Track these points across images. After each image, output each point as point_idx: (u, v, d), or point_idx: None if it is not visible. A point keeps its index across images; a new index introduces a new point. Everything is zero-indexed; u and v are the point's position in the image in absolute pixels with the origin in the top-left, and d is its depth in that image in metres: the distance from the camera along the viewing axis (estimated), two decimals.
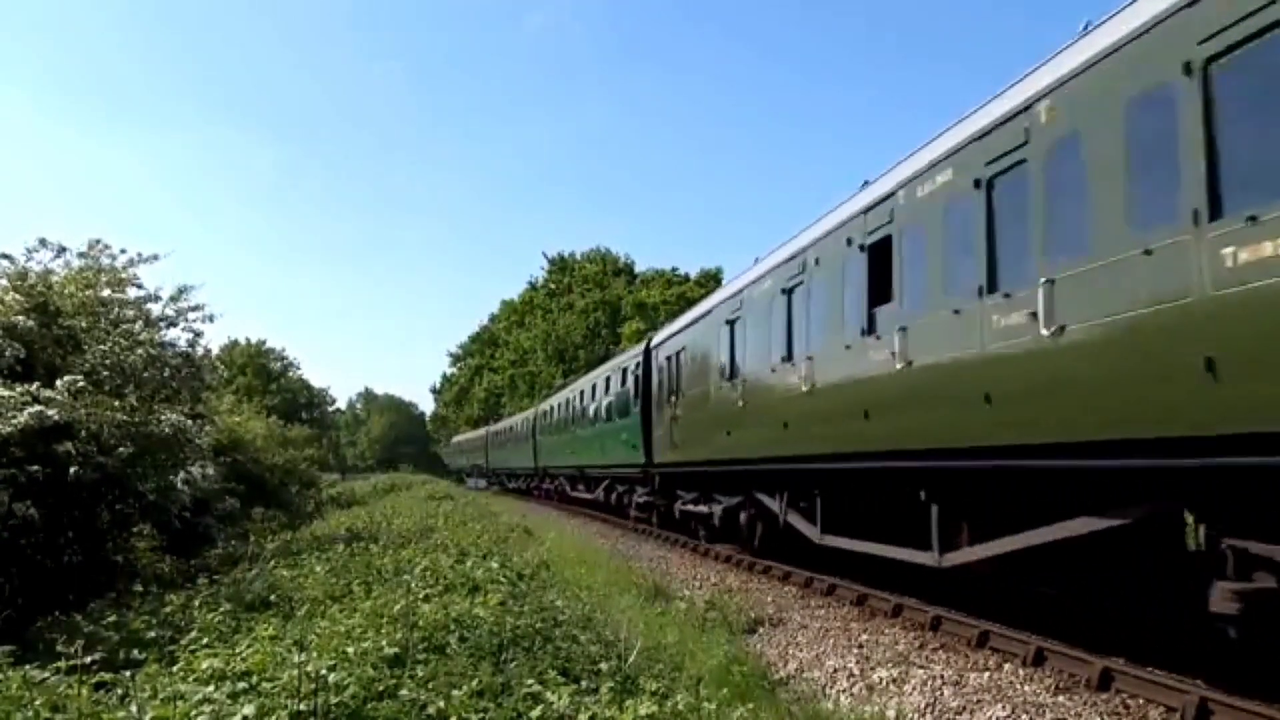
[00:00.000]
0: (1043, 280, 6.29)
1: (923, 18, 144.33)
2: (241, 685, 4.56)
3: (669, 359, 17.57)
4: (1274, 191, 4.65)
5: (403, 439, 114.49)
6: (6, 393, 9.02)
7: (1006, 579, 8.22)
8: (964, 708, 5.97)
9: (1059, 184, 6.42)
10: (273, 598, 7.88)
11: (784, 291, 11.46)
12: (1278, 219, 4.58)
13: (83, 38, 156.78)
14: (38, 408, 8.95)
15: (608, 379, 23.93)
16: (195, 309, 13.17)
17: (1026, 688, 6.21)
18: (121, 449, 10.21)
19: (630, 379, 20.96)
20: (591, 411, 24.98)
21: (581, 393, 27.25)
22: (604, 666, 5.53)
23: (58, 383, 9.53)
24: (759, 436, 11.98)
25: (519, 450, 41.07)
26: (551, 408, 33.15)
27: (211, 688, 4.48)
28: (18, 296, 10.38)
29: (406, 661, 5.17)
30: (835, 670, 7.18)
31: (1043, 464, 6.54)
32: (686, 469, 16.26)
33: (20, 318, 10.08)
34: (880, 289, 8.95)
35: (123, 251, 12.60)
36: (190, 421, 12.13)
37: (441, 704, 4.39)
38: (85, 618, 7.49)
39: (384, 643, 5.33)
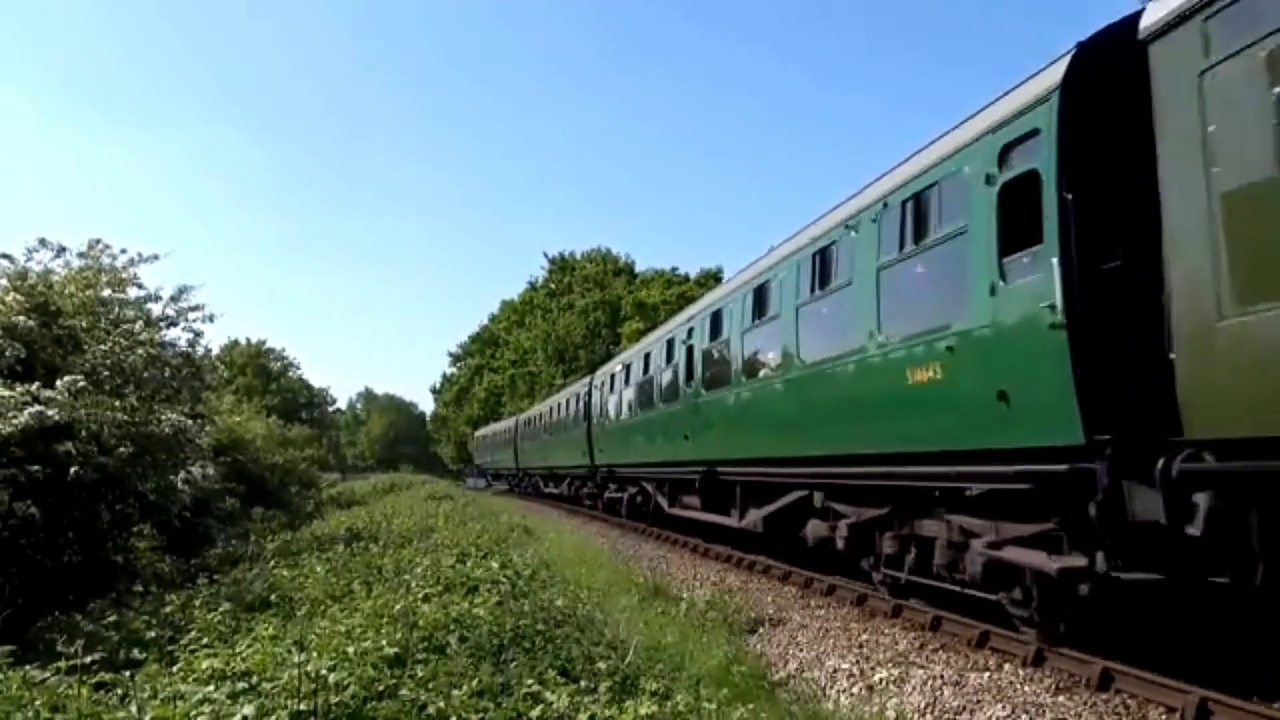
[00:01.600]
0: None
1: (924, 19, 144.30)
2: (241, 685, 4.56)
3: None
4: None
5: (403, 439, 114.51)
6: (7, 393, 9.03)
7: None
8: (964, 708, 5.97)
9: None
10: (273, 598, 7.89)
11: None
12: None
13: (79, 37, 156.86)
14: (38, 408, 8.96)
15: (819, 258, 9.84)
16: (195, 309, 13.22)
17: (1026, 688, 6.20)
18: (121, 449, 10.22)
19: (979, 203, 6.88)
20: (746, 350, 12.05)
21: (713, 319, 13.63)
22: (603, 666, 5.53)
23: (58, 383, 9.54)
24: None
25: (562, 443, 28.70)
26: (625, 369, 20.14)
27: (211, 688, 4.49)
28: (18, 296, 10.39)
29: (406, 661, 5.18)
30: (835, 670, 7.18)
31: None
32: None
33: (20, 318, 10.09)
34: None
35: (123, 251, 12.65)
36: (190, 421, 12.15)
37: (441, 704, 4.40)
38: (85, 618, 7.50)
39: (384, 642, 5.34)
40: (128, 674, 4.94)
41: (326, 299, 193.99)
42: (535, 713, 4.44)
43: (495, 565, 9.80)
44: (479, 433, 62.68)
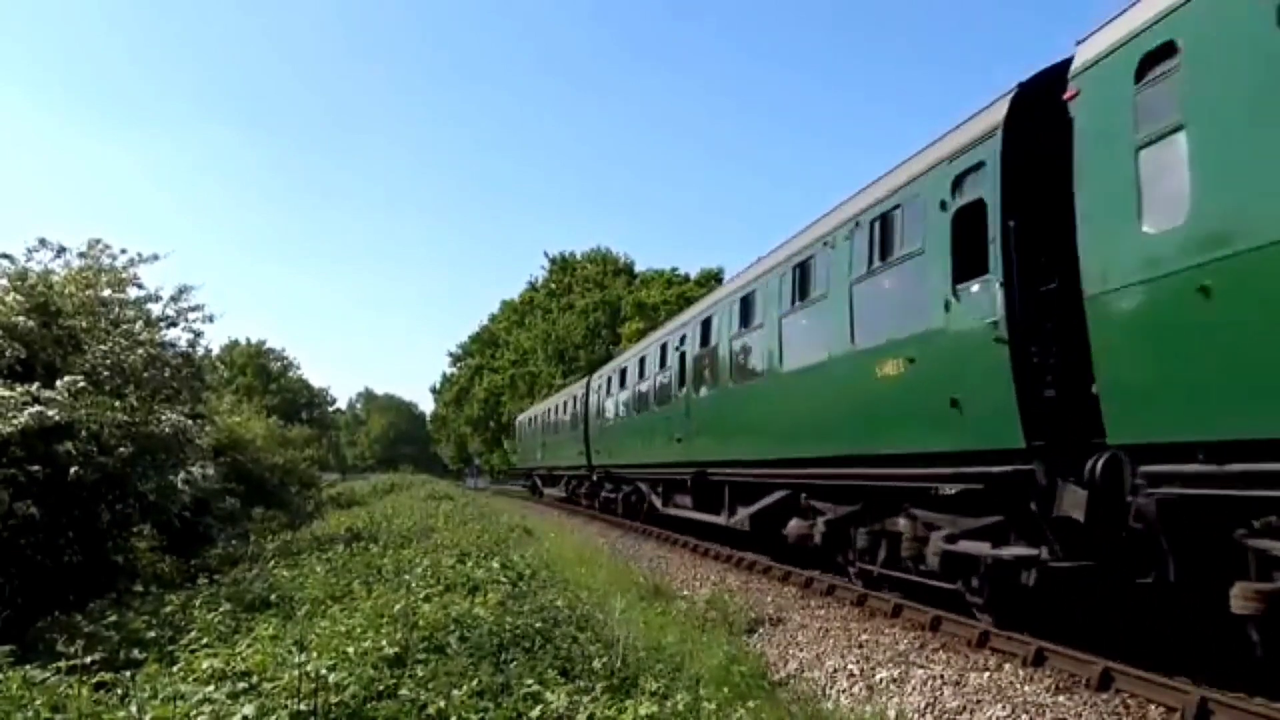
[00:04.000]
0: None
1: (924, 21, 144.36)
2: (241, 685, 4.57)
3: None
4: None
5: (403, 439, 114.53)
6: (7, 393, 9.02)
7: None
8: (964, 708, 5.97)
9: None
10: (273, 598, 7.90)
11: None
12: None
13: (79, 37, 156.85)
14: (38, 408, 8.95)
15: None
16: (195, 309, 13.21)
17: (1026, 688, 6.20)
18: (121, 449, 10.21)
19: None
20: None
21: None
22: (598, 665, 5.53)
23: (58, 383, 9.53)
24: None
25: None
26: None
27: (211, 688, 4.50)
28: (18, 296, 10.38)
29: (407, 661, 5.18)
30: (835, 670, 7.18)
31: None
32: None
33: (20, 318, 10.08)
34: None
35: (123, 251, 12.64)
36: (190, 421, 12.14)
37: (441, 704, 4.40)
38: (85, 618, 7.51)
39: (384, 643, 5.35)
40: (128, 674, 4.94)
41: (326, 299, 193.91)
42: (535, 713, 4.44)
43: (496, 565, 9.80)
44: (521, 418, 45.46)
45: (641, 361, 19.31)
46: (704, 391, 14.46)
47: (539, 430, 36.38)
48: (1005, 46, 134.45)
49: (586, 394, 25.61)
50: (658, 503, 18.23)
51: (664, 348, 17.23)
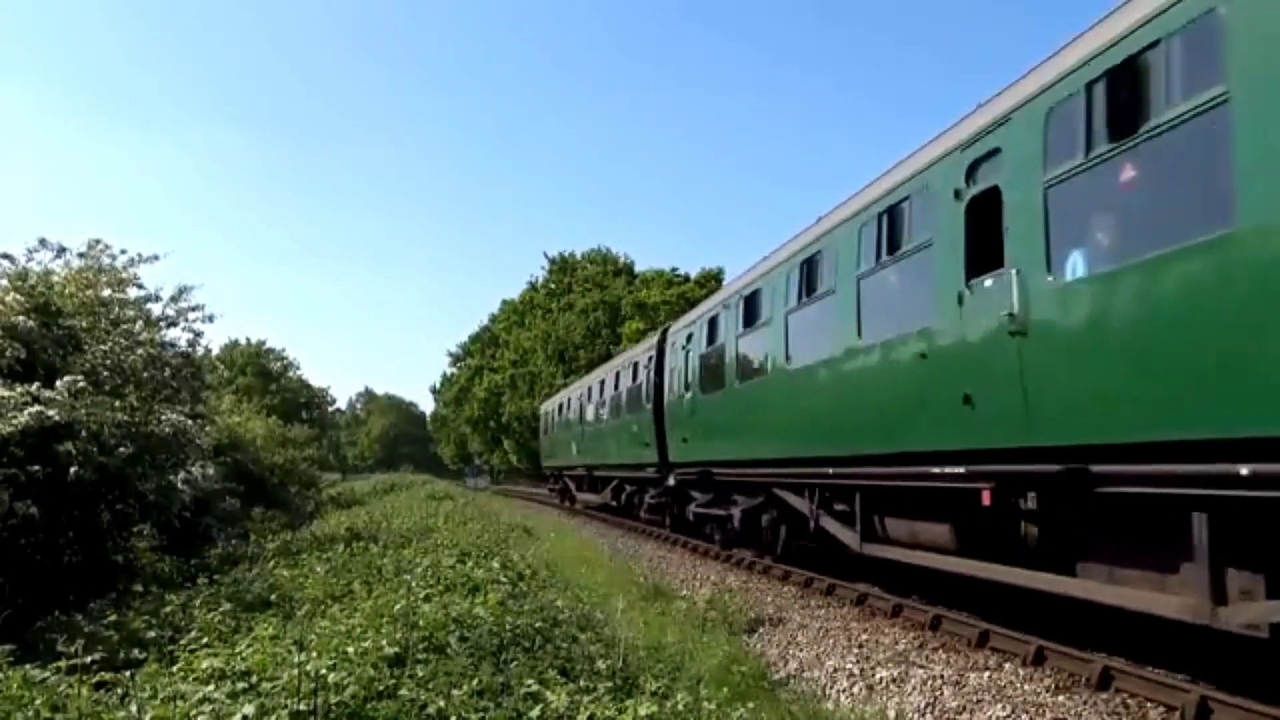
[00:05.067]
0: None
1: (925, 21, 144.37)
2: (241, 685, 4.56)
3: None
4: None
5: (403, 439, 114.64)
6: (7, 393, 9.02)
7: None
8: (964, 707, 5.97)
9: None
10: (273, 598, 7.90)
11: None
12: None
13: (82, 38, 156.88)
14: (38, 408, 8.95)
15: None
16: (195, 309, 13.20)
17: (1026, 687, 6.21)
18: (121, 449, 10.22)
19: None
20: None
21: None
22: (602, 666, 5.53)
23: (58, 383, 9.53)
24: None
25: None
26: None
27: (211, 687, 4.49)
28: (18, 297, 10.37)
29: (406, 661, 5.17)
30: (835, 670, 7.18)
31: None
32: None
33: (20, 318, 10.08)
34: None
35: (123, 252, 12.63)
36: (190, 421, 12.14)
37: (441, 704, 4.39)
38: (85, 618, 7.51)
39: (384, 642, 5.33)
40: (128, 674, 4.93)
41: (326, 299, 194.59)
42: (535, 712, 4.44)
43: (496, 565, 9.79)
44: (547, 405, 35.86)
45: (807, 266, 10.05)
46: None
47: (574, 419, 26.92)
48: (1006, 45, 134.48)
49: (658, 357, 17.18)
50: (846, 535, 9.60)
51: (891, 214, 8.18)
